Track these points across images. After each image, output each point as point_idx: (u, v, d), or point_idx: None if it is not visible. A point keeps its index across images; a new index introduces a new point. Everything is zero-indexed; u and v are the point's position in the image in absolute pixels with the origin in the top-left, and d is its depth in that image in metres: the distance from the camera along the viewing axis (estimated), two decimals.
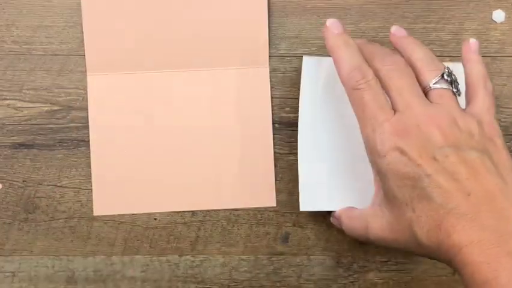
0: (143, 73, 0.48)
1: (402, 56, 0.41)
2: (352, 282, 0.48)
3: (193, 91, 0.48)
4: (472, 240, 0.34)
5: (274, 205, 0.48)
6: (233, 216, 0.48)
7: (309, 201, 0.45)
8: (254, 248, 0.48)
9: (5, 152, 0.48)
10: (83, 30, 0.47)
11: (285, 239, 0.48)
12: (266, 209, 0.48)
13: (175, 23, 0.47)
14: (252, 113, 0.48)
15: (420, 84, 0.39)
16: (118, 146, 0.47)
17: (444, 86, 0.39)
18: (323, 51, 0.48)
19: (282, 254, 0.48)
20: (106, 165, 0.47)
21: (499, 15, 0.49)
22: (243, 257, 0.48)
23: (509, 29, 0.49)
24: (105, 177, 0.47)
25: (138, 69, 0.48)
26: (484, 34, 0.49)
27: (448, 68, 0.40)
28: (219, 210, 0.48)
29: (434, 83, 0.39)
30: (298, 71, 0.48)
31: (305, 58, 0.46)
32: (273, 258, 0.48)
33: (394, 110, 0.38)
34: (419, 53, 0.40)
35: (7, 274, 0.47)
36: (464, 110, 0.39)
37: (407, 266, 0.48)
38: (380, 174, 0.38)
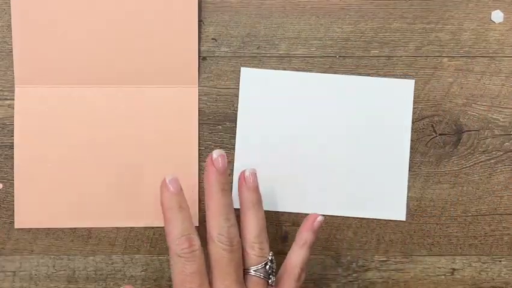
0: (72, 87, 0.47)
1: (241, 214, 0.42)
2: (351, 281, 0.48)
3: (120, 107, 0.47)
4: None
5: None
6: None
7: None
8: None
9: (5, 152, 0.48)
10: (12, 42, 0.47)
11: (284, 238, 0.48)
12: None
13: (105, 38, 0.47)
14: (179, 132, 0.47)
15: (243, 260, 0.41)
16: (42, 162, 0.47)
17: (262, 275, 0.41)
18: (322, 51, 0.48)
19: (281, 253, 0.48)
20: (29, 178, 0.47)
21: (497, 16, 0.49)
22: None
23: (507, 29, 0.49)
24: (27, 189, 0.47)
25: (66, 83, 0.47)
26: (483, 34, 0.49)
27: (271, 256, 0.41)
28: None
29: (255, 271, 0.41)
30: (298, 71, 0.48)
31: (243, 69, 0.47)
32: None
33: (210, 284, 0.40)
34: (253, 226, 0.42)
35: (8, 273, 0.48)
36: None
37: (406, 265, 0.48)
38: None
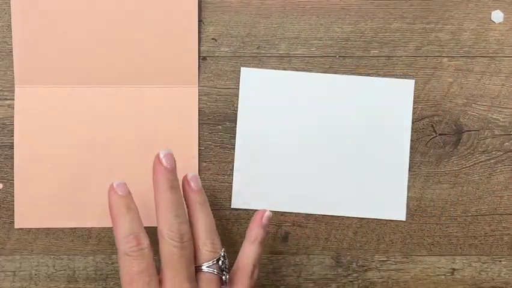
0: (72, 87, 0.47)
1: (189, 211, 0.41)
2: (351, 281, 0.48)
3: (120, 107, 0.47)
4: None
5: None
6: (233, 215, 0.48)
7: (241, 199, 0.48)
8: None
9: (5, 152, 0.48)
10: (12, 42, 0.47)
11: (285, 238, 0.48)
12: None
13: (105, 38, 0.47)
14: (179, 131, 0.47)
15: (194, 257, 0.40)
16: (42, 162, 0.47)
17: (216, 271, 0.40)
18: (322, 51, 0.48)
19: (281, 253, 0.48)
20: (29, 178, 0.47)
21: (497, 16, 0.49)
22: None
23: (507, 29, 0.49)
24: (27, 189, 0.47)
25: (66, 83, 0.47)
26: (483, 34, 0.49)
27: (224, 252, 0.41)
28: (218, 209, 0.48)
29: (207, 268, 0.40)
30: (298, 71, 0.48)
31: (243, 69, 0.47)
32: (272, 258, 0.48)
33: (160, 282, 0.39)
34: (202, 225, 0.41)
35: (8, 273, 0.48)
36: None
37: (406, 265, 0.48)
38: None
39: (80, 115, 0.47)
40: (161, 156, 0.40)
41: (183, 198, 0.41)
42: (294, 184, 0.48)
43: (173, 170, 0.40)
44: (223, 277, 0.40)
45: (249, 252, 0.42)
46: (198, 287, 0.39)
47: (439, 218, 0.49)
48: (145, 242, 0.39)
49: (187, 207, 0.42)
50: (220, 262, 0.40)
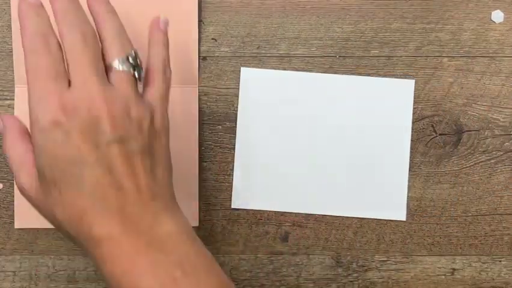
0: None
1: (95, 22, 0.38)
2: (351, 281, 0.48)
3: None
4: (112, 234, 0.34)
5: None
6: (233, 215, 0.48)
7: (241, 199, 0.48)
8: (254, 247, 0.48)
9: None
10: (12, 42, 0.47)
11: (285, 238, 0.48)
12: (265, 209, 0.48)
13: None
14: (179, 131, 0.47)
15: (104, 60, 0.37)
16: None
17: (126, 68, 0.37)
18: (322, 51, 0.48)
19: (281, 253, 0.48)
20: None
21: (497, 16, 0.49)
22: (243, 256, 0.48)
23: (508, 29, 0.49)
24: None
25: None
26: (483, 34, 0.49)
27: (134, 50, 0.38)
28: (218, 210, 0.48)
29: (118, 64, 0.37)
30: (298, 71, 0.48)
31: (243, 69, 0.47)
32: (272, 258, 0.48)
33: (70, 84, 0.35)
34: (110, 28, 0.38)
35: (8, 273, 0.48)
36: (140, 95, 0.37)
37: (407, 265, 0.48)
38: (36, 148, 0.35)
39: None
40: None
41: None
42: (294, 184, 0.48)
43: (38, 6, 0.37)
44: (137, 73, 0.37)
45: (156, 54, 0.39)
46: (110, 87, 0.36)
47: (439, 218, 0.49)
48: (53, 39, 0.36)
49: (93, 17, 0.39)
50: (130, 59, 0.37)
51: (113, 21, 0.38)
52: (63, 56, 0.36)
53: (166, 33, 0.40)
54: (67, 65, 0.36)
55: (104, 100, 0.35)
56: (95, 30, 0.37)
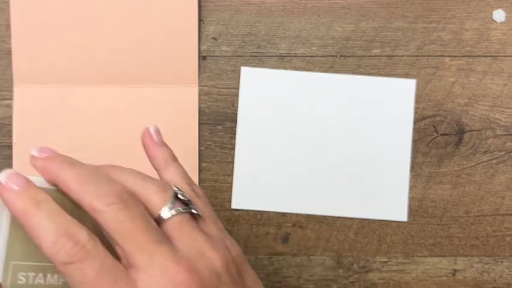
0: (71, 87, 0.47)
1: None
2: (352, 282, 0.48)
3: (120, 107, 0.47)
4: None
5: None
6: (233, 216, 0.48)
7: (241, 200, 0.48)
8: (254, 248, 0.48)
9: (4, 152, 0.47)
10: (11, 41, 0.47)
11: (285, 239, 0.48)
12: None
13: (105, 38, 0.47)
14: (179, 131, 0.47)
15: (148, 212, 0.29)
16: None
17: (181, 209, 0.30)
18: (323, 50, 0.48)
19: (282, 254, 0.48)
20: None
21: (499, 15, 0.49)
22: None
23: (509, 28, 0.49)
24: None
25: (65, 83, 0.47)
26: (485, 34, 0.49)
27: (176, 186, 0.31)
28: (218, 210, 0.48)
29: (167, 211, 0.29)
30: (298, 71, 0.48)
31: (243, 69, 0.47)
32: (273, 259, 0.48)
33: (128, 265, 0.28)
34: (133, 178, 0.30)
35: None
36: (206, 233, 0.30)
37: (408, 266, 0.48)
38: None
39: (79, 115, 0.47)
40: (6, 180, 0.28)
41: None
42: (294, 184, 0.48)
43: (34, 189, 0.28)
44: (192, 209, 0.30)
45: (172, 176, 0.33)
46: (173, 242, 0.29)
47: (441, 219, 0.48)
48: (83, 234, 0.27)
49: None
50: (180, 195, 0.30)
51: (129, 172, 0.31)
52: (102, 246, 0.28)
53: (165, 145, 0.35)
54: (116, 243, 0.28)
55: (188, 272, 0.28)
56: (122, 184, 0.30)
